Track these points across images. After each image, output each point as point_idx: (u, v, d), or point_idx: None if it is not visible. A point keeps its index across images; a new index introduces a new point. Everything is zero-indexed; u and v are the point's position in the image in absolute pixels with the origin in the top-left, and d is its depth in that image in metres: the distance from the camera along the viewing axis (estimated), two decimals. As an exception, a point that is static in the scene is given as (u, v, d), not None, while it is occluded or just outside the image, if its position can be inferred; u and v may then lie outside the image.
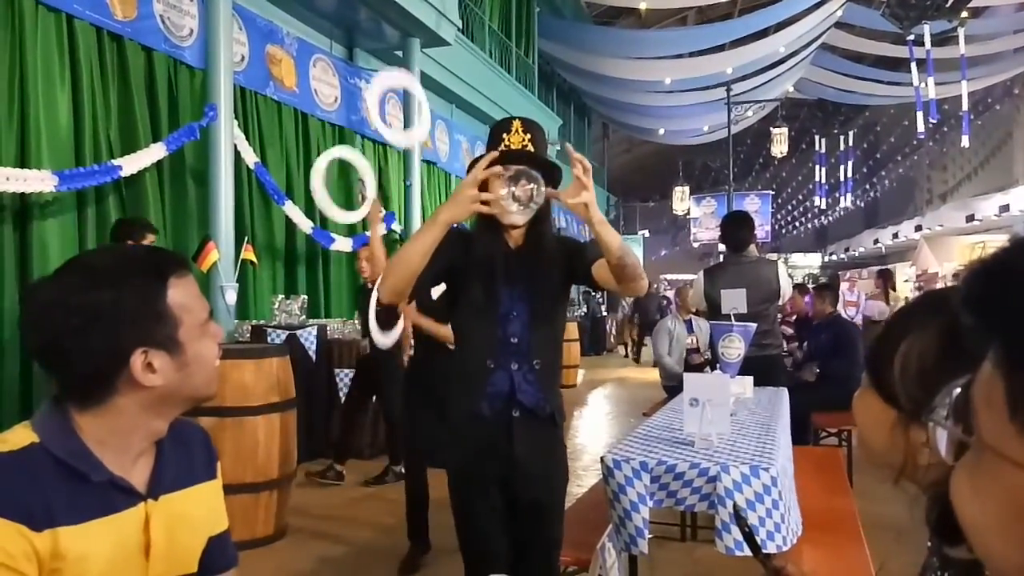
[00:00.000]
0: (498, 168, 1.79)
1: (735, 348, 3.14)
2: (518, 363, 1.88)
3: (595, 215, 1.71)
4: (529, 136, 1.90)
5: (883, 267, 11.14)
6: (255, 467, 3.60)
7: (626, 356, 15.82)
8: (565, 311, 2.07)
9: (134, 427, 1.04)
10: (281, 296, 5.92)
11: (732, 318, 3.21)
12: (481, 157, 1.98)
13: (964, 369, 0.71)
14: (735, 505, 1.68)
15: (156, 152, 5.17)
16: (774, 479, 2.03)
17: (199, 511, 1.15)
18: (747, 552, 2.07)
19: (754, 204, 18.65)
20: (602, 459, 2.21)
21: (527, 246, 1.93)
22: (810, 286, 7.68)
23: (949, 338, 0.74)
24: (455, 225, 1.83)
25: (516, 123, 1.93)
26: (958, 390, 0.50)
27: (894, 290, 9.20)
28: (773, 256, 4.73)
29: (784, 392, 3.65)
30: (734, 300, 3.29)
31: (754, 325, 3.26)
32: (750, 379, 3.33)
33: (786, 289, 4.20)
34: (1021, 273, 0.44)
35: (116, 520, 1.02)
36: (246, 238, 5.74)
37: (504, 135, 1.91)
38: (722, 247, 4.64)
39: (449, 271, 1.91)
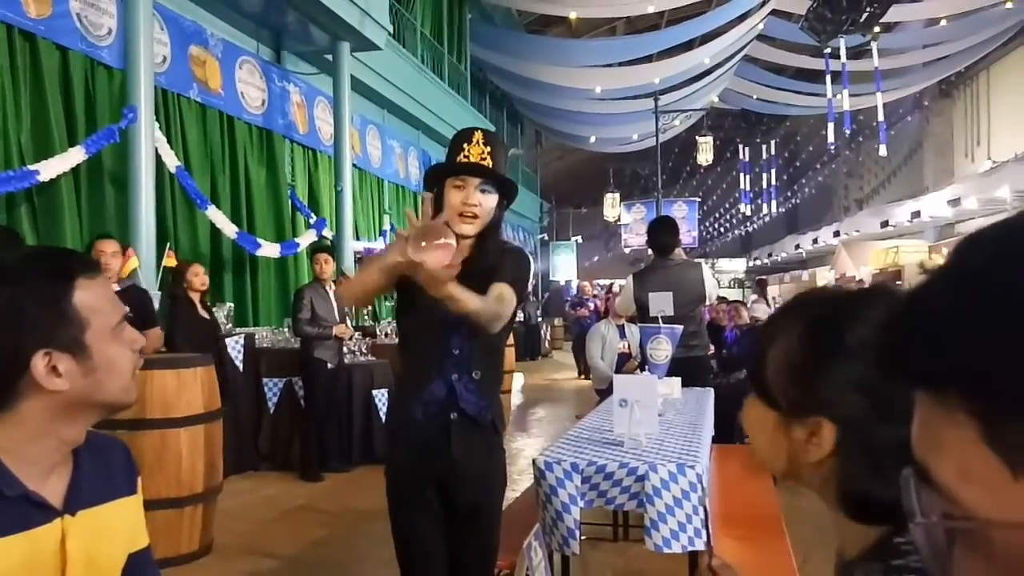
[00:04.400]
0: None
1: (663, 350, 3.21)
2: (458, 373, 1.90)
3: (434, 286, 1.67)
4: (489, 149, 1.91)
5: (760, 277, 11.93)
6: (179, 481, 3.48)
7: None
8: (510, 321, 2.04)
9: (43, 435, 0.99)
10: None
11: (660, 320, 3.28)
12: (437, 166, 2.00)
13: (829, 359, 0.76)
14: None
15: (75, 156, 4.96)
16: (699, 476, 2.08)
17: (119, 527, 1.10)
18: (675, 550, 2.12)
19: (682, 211, 19.09)
20: (534, 461, 2.23)
21: (473, 259, 1.93)
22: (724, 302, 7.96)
23: (811, 333, 0.79)
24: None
25: (478, 134, 1.94)
26: (909, 482, 0.42)
27: (765, 296, 9.83)
28: (700, 261, 4.85)
29: (710, 392, 3.75)
30: (661, 303, 3.36)
31: (681, 327, 3.34)
32: (678, 380, 3.41)
33: (711, 291, 4.32)
34: (969, 309, 0.36)
35: (31, 537, 0.97)
36: (168, 244, 5.57)
37: (465, 145, 1.91)
38: (650, 252, 4.74)
39: (400, 280, 1.89)
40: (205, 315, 5.00)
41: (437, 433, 1.89)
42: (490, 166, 1.90)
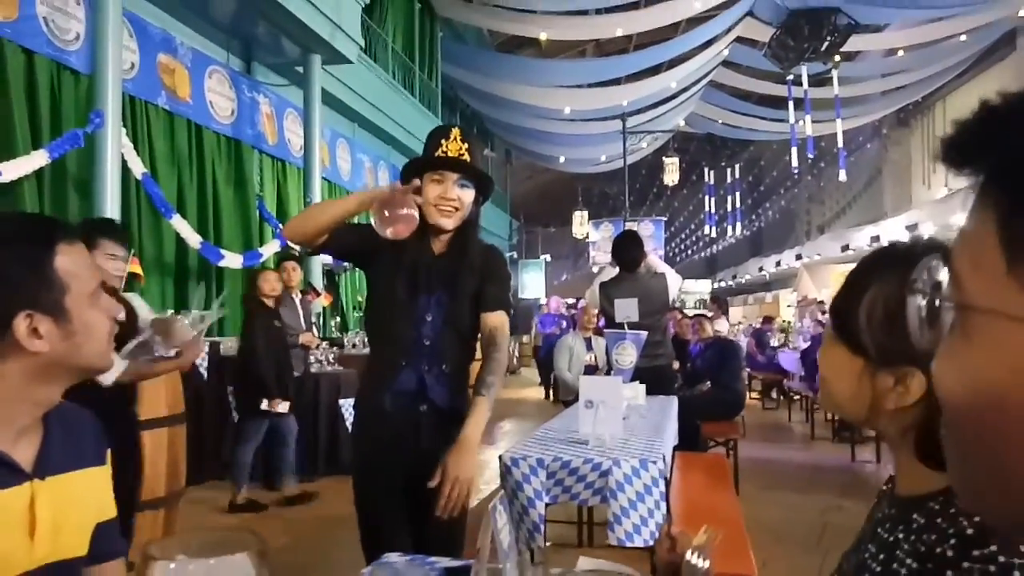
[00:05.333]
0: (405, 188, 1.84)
1: (628, 355, 3.27)
2: (428, 364, 1.92)
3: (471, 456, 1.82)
4: (466, 145, 1.95)
5: (714, 296, 11.99)
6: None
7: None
8: (479, 317, 2.06)
9: (19, 396, 1.00)
10: (171, 312, 5.68)
11: (626, 327, 3.34)
12: (415, 160, 2.02)
13: None
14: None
15: (37, 160, 4.90)
16: (661, 471, 2.12)
17: (87, 495, 1.12)
18: (637, 544, 2.16)
19: (648, 229, 19.30)
20: (500, 457, 2.26)
21: (450, 254, 1.97)
22: (689, 314, 8.07)
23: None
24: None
25: (455, 131, 1.98)
26: (933, 264, 0.48)
27: (726, 313, 9.59)
28: (664, 272, 4.89)
29: (674, 400, 3.81)
30: (626, 309, 3.43)
31: (645, 333, 3.40)
32: (642, 386, 3.46)
33: (675, 288, 4.38)
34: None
35: (0, 497, 0.98)
36: (132, 251, 5.50)
37: (442, 140, 1.95)
38: (617, 268, 4.75)
39: (367, 256, 1.93)
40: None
41: (406, 425, 1.91)
42: (468, 161, 1.94)
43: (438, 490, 1.92)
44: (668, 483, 1.66)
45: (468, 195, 1.96)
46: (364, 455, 1.96)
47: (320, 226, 1.87)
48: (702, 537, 1.14)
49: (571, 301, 17.70)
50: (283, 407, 4.76)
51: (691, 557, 1.10)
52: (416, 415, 1.91)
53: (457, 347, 1.97)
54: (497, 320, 1.95)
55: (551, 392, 12.36)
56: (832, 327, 0.88)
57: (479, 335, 2.00)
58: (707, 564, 1.10)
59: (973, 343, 0.41)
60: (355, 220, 1.98)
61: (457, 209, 1.93)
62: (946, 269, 0.46)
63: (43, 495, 1.02)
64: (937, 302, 0.46)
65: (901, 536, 0.79)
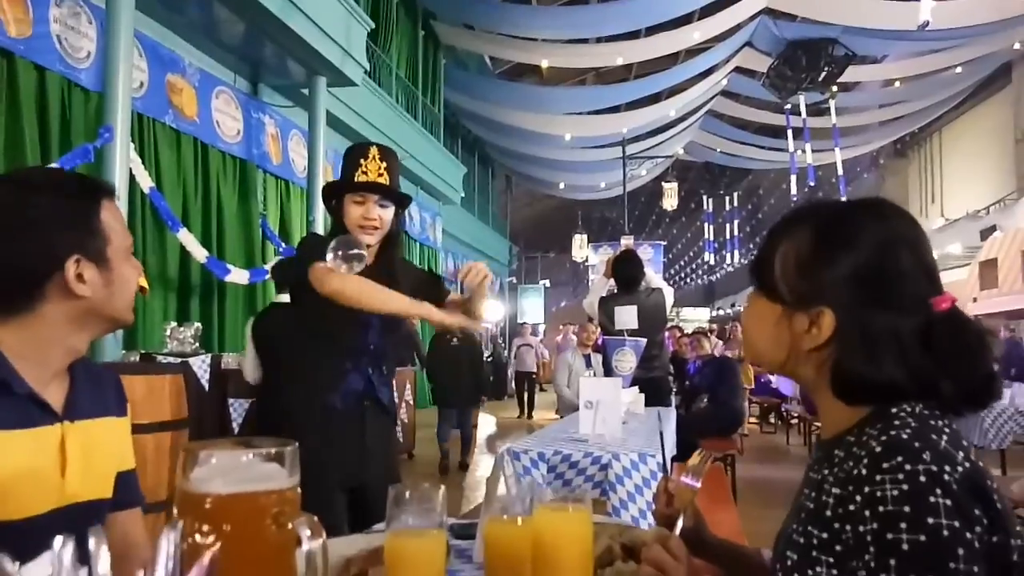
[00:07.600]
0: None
1: (627, 361, 3.32)
2: (373, 367, 2.04)
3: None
4: (385, 165, 2.03)
5: (717, 325, 12.12)
6: (143, 488, 3.45)
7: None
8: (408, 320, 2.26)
9: (55, 340, 1.06)
10: (174, 323, 5.72)
11: (625, 334, 3.39)
12: (335, 183, 2.10)
13: (834, 254, 0.87)
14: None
15: (47, 172, 4.98)
16: (660, 464, 2.16)
17: (111, 442, 1.17)
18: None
19: (647, 253, 19.28)
20: (502, 452, 2.30)
21: (379, 264, 2.06)
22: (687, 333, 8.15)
23: (821, 229, 0.90)
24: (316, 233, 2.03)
25: (373, 150, 2.04)
26: None
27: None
28: (660, 287, 4.91)
29: (672, 411, 3.84)
30: (626, 316, 3.48)
31: (644, 340, 3.45)
32: (642, 395, 3.50)
33: (670, 302, 4.42)
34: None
35: (34, 434, 1.03)
36: (138, 264, 5.56)
37: (361, 160, 2.02)
38: (614, 287, 4.74)
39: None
40: None
41: (353, 422, 2.01)
42: (387, 181, 2.03)
43: (381, 473, 2.02)
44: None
45: (388, 213, 2.06)
46: (311, 454, 1.92)
47: (363, 307, 1.89)
48: (696, 459, 1.19)
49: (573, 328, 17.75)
50: None
51: (684, 478, 1.15)
52: (361, 411, 2.02)
53: (392, 349, 2.15)
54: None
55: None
56: (753, 280, 0.97)
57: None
58: (698, 484, 1.14)
59: None
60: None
61: (378, 228, 2.03)
62: None
63: (72, 437, 1.08)
64: None
65: (826, 472, 0.86)
